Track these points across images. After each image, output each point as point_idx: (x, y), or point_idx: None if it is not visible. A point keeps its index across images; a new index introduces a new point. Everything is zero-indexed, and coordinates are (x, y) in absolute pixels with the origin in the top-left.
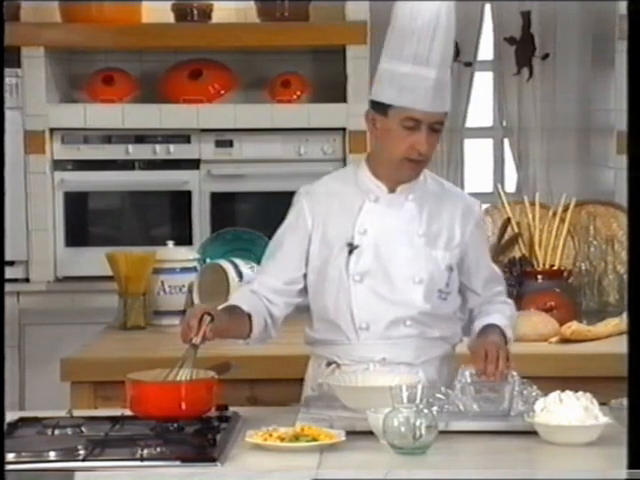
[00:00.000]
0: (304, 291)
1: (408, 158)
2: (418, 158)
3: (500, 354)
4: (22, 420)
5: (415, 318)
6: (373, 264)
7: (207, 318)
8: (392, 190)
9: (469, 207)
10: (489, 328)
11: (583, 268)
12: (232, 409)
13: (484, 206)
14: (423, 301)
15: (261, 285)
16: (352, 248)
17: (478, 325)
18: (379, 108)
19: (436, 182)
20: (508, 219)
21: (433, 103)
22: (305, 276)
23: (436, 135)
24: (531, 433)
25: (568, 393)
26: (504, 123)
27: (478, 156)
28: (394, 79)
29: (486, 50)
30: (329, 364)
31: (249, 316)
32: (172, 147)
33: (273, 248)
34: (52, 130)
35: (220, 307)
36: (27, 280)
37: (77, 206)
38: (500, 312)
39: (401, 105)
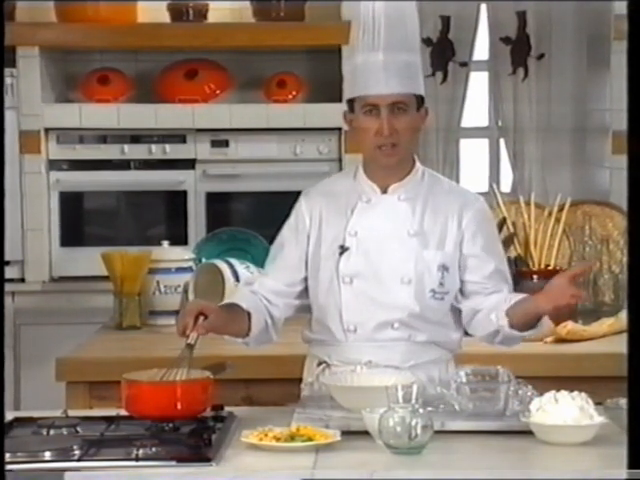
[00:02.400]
0: (305, 293)
1: (378, 146)
2: (386, 142)
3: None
4: (17, 420)
5: (403, 321)
6: (363, 266)
7: (201, 318)
8: (385, 190)
9: (467, 203)
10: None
11: None
12: (227, 409)
13: None
14: (413, 302)
15: (261, 286)
16: (343, 250)
17: (507, 305)
18: (348, 106)
19: (434, 180)
20: (503, 219)
21: (386, 85)
22: (306, 278)
23: (402, 116)
24: (526, 433)
25: (563, 393)
26: (500, 123)
27: (474, 156)
28: (352, 73)
29: (482, 50)
30: (320, 363)
31: (248, 315)
32: (168, 147)
33: (274, 250)
34: (47, 130)
35: (220, 304)
36: (22, 280)
37: (72, 206)
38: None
39: (358, 94)
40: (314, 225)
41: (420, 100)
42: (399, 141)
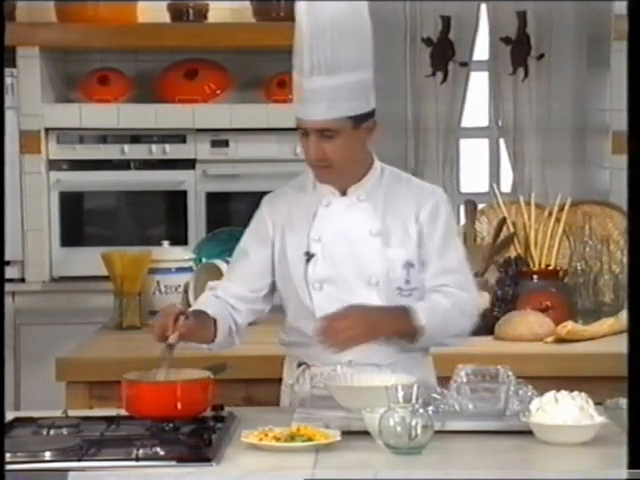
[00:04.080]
0: (269, 298)
1: (312, 165)
2: (317, 164)
3: (345, 320)
4: (17, 420)
5: None
6: (331, 271)
7: (182, 318)
8: (344, 193)
9: (425, 196)
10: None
11: (579, 268)
12: (228, 409)
13: (480, 206)
14: (382, 302)
15: (225, 292)
16: (309, 257)
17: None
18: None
19: (395, 177)
20: (504, 219)
21: (313, 111)
22: (272, 283)
23: (331, 141)
24: (527, 433)
25: (563, 393)
26: (500, 123)
27: (474, 156)
28: (293, 90)
29: (482, 50)
30: (299, 365)
31: (214, 321)
32: (168, 147)
33: (237, 256)
34: (47, 130)
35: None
36: (22, 280)
37: (72, 206)
38: (431, 300)
39: (296, 115)
40: (277, 232)
41: (360, 118)
42: (331, 163)
